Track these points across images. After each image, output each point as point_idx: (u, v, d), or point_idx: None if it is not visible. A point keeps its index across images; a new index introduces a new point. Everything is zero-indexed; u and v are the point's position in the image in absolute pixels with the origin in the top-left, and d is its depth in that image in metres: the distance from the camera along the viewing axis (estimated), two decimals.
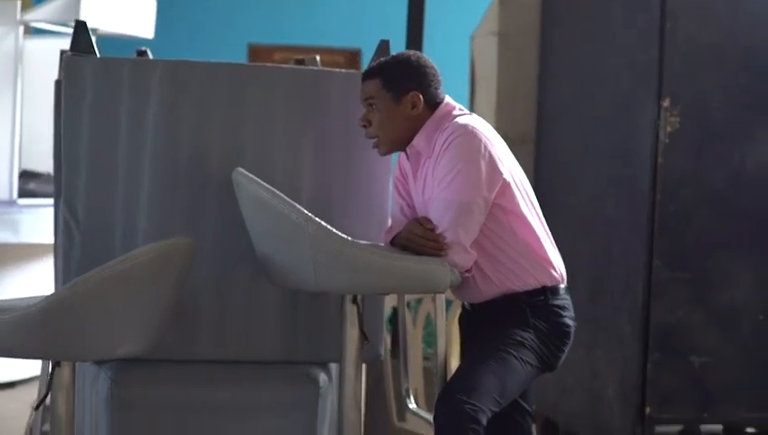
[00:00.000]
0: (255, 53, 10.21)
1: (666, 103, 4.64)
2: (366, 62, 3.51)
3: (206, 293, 3.37)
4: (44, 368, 3.71)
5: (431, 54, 3.48)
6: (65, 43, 6.77)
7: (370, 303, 3.35)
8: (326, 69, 3.59)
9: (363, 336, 3.12)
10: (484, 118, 5.97)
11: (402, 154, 3.29)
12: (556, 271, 3.20)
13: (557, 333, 3.18)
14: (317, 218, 3.00)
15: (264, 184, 3.11)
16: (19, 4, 6.86)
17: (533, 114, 5.85)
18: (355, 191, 3.45)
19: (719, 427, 5.06)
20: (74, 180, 3.33)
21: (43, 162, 7.03)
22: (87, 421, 3.40)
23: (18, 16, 6.74)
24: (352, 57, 10.29)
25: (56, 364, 3.00)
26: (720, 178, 4.73)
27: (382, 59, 3.31)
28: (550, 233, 3.26)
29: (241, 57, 10.08)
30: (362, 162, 3.43)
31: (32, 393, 5.85)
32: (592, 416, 5.19)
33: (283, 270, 3.13)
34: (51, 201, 6.21)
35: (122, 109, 3.33)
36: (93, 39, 3.42)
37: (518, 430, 3.33)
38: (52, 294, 2.94)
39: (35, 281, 6.17)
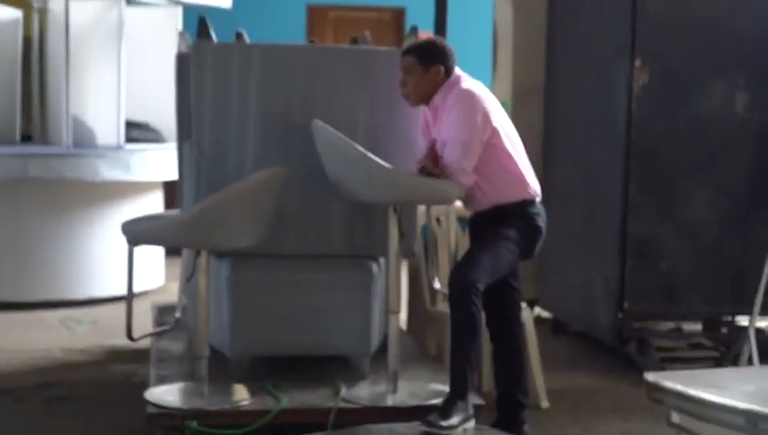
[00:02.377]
0: (313, 12, 11.24)
1: (638, 63, 5.77)
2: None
3: (293, 206, 4.61)
4: (187, 259, 4.94)
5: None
6: (155, 13, 7.95)
7: (407, 214, 4.62)
8: (374, 48, 4.86)
9: (401, 234, 4.42)
10: (503, 71, 7.14)
11: (426, 108, 4.53)
12: (531, 189, 4.43)
13: (532, 231, 4.43)
14: (370, 154, 4.26)
15: (334, 130, 4.36)
16: None
17: (543, 69, 6.97)
18: (396, 135, 4.69)
19: (698, 325, 6.13)
20: (201, 129, 4.61)
21: (143, 114, 8.22)
22: (213, 298, 4.62)
23: None
24: (397, 15, 11.24)
25: (197, 253, 4.32)
26: (681, 121, 5.83)
27: (417, 42, 4.57)
28: (530, 164, 4.49)
29: (300, 17, 11.12)
30: (400, 116, 4.67)
31: (157, 299, 7.03)
32: (587, 313, 6.31)
33: (347, 187, 4.40)
34: (154, 146, 7.45)
35: (233, 79, 4.58)
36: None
37: (510, 301, 4.56)
38: (196, 206, 4.29)
39: (143, 211, 7.12)
